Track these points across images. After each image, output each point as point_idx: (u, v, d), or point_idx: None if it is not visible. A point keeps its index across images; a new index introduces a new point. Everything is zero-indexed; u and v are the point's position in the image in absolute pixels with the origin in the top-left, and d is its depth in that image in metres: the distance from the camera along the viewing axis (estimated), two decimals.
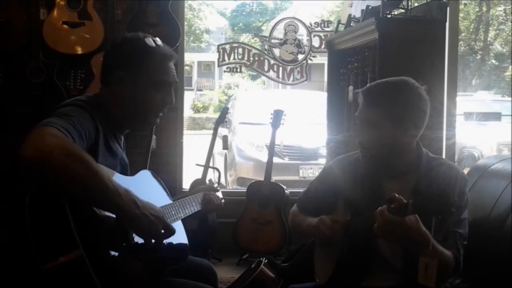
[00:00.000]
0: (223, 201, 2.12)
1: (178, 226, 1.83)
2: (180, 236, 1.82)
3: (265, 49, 4.63)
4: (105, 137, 1.64)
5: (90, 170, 1.36)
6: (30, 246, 1.33)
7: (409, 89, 1.76)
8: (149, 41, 1.71)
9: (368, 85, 1.80)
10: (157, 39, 1.74)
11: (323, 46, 4.49)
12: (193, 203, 1.93)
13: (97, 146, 1.57)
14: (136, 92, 1.69)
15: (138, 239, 1.53)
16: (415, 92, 1.76)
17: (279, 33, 4.71)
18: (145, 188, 1.72)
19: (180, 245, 1.79)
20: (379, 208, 1.58)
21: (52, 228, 1.35)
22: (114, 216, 1.45)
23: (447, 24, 3.04)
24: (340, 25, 3.77)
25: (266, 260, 2.43)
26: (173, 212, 1.76)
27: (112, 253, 1.45)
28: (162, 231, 1.52)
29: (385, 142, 1.76)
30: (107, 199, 1.39)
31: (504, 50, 15.73)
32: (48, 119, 1.43)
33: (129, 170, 1.84)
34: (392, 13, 3.10)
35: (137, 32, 1.77)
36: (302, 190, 2.14)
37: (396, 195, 1.55)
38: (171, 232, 1.55)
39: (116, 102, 1.70)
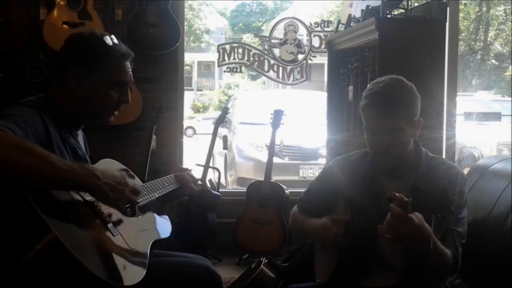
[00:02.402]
0: (198, 178, 2.10)
1: (155, 207, 1.86)
2: (157, 214, 1.86)
3: (265, 49, 4.63)
4: (58, 133, 1.64)
5: (37, 157, 1.37)
6: (5, 243, 1.35)
7: (410, 87, 1.78)
8: (108, 39, 1.72)
9: (373, 92, 1.77)
10: (114, 37, 1.75)
11: (323, 46, 4.49)
12: (165, 183, 1.92)
13: (50, 141, 1.58)
14: (93, 90, 1.70)
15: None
16: (413, 88, 1.79)
17: (279, 33, 4.71)
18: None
19: (160, 221, 1.83)
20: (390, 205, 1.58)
21: (22, 222, 1.36)
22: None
23: (447, 24, 3.04)
24: (340, 25, 3.77)
25: (266, 260, 2.43)
26: (145, 193, 1.77)
27: (86, 229, 1.46)
28: (129, 194, 1.53)
29: (408, 143, 1.80)
30: (63, 179, 1.40)
31: (504, 50, 15.73)
32: None
33: (130, 169, 1.85)
34: (392, 13, 3.10)
35: (93, 30, 1.78)
36: (302, 190, 2.14)
37: (397, 194, 1.56)
38: (137, 191, 1.57)
39: (71, 100, 1.71)
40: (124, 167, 1.86)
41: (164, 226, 1.86)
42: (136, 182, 1.74)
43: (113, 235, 1.53)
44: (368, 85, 1.89)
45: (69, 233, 1.38)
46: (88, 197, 1.51)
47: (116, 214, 1.58)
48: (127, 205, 1.60)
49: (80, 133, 1.83)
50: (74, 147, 1.71)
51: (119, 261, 1.51)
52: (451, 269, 1.72)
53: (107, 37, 1.72)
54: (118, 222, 1.57)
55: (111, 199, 1.48)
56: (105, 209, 1.54)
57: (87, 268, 1.34)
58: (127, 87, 1.77)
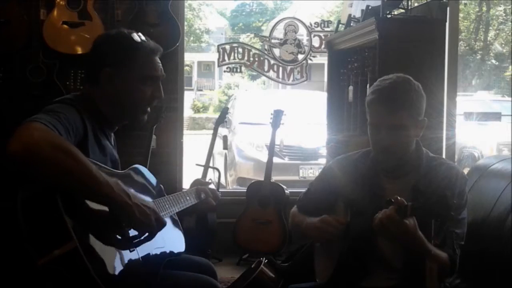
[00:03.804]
0: (219, 193, 2.11)
1: (174, 222, 1.85)
2: (176, 229, 1.84)
3: (265, 49, 4.63)
4: (94, 133, 1.65)
5: (78, 162, 1.36)
6: (24, 242, 1.34)
7: (417, 86, 1.79)
8: (135, 36, 1.72)
9: (380, 88, 1.78)
10: (141, 34, 1.75)
11: (323, 46, 4.49)
12: (187, 197, 1.92)
13: (86, 141, 1.58)
14: (126, 87, 1.70)
15: (133, 232, 1.54)
16: (420, 88, 1.79)
17: (279, 33, 4.71)
18: (139, 182, 1.74)
19: (176, 237, 1.81)
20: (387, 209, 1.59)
21: (45, 223, 1.36)
22: (107, 208, 1.46)
23: (447, 24, 3.04)
24: (340, 25, 3.77)
25: (266, 260, 2.43)
26: (166, 206, 1.77)
27: (107, 244, 1.46)
28: (154, 222, 1.53)
29: (410, 143, 1.81)
30: (97, 191, 1.40)
31: (504, 50, 15.74)
32: (35, 115, 1.44)
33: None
34: (392, 13, 3.10)
35: (119, 28, 1.78)
36: (302, 190, 2.14)
37: (398, 198, 1.56)
38: (162, 223, 1.57)
39: (105, 99, 1.71)
40: (153, 177, 1.85)
41: (178, 241, 1.84)
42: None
43: (130, 251, 1.53)
44: (374, 82, 1.89)
45: (88, 246, 1.37)
46: None
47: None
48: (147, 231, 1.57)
49: (112, 135, 1.83)
50: (105, 148, 1.71)
51: (131, 278, 1.51)
52: (448, 271, 1.73)
53: (135, 34, 1.73)
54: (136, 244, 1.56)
55: (137, 221, 1.48)
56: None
57: (100, 285, 1.34)
58: (159, 82, 1.77)
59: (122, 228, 1.51)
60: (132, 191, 1.49)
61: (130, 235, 1.53)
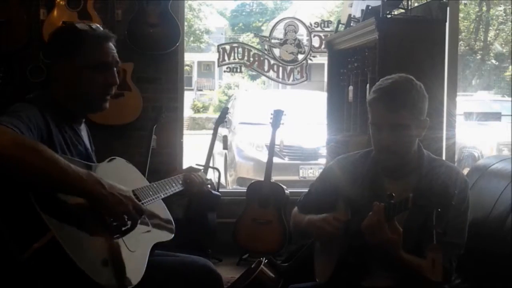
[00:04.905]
0: (208, 181, 2.11)
1: (160, 205, 1.85)
2: (163, 215, 1.85)
3: (265, 49, 4.63)
4: (59, 128, 1.65)
5: (44, 158, 1.38)
6: (5, 240, 1.36)
7: (419, 87, 1.79)
8: (81, 25, 1.73)
9: (381, 88, 1.78)
10: (90, 24, 1.76)
11: (323, 46, 4.49)
12: (173, 184, 1.91)
13: (51, 137, 1.59)
14: (78, 78, 1.70)
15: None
16: (422, 88, 1.79)
17: (279, 33, 4.71)
18: (118, 173, 1.73)
19: (164, 222, 1.82)
20: (379, 203, 1.61)
21: (22, 220, 1.37)
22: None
23: (447, 24, 3.04)
24: (340, 25, 3.77)
25: (266, 260, 2.43)
26: (150, 193, 1.77)
27: (90, 234, 1.46)
28: (132, 210, 1.53)
29: (411, 143, 1.80)
30: (69, 184, 1.41)
31: (504, 50, 15.73)
32: None
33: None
34: (392, 13, 3.10)
35: (67, 22, 1.80)
36: (302, 190, 2.14)
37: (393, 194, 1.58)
38: (141, 210, 1.57)
39: (63, 93, 1.72)
40: (134, 168, 1.86)
41: (167, 228, 1.85)
42: (143, 181, 1.73)
43: (113, 237, 1.53)
44: (374, 82, 1.90)
45: (68, 234, 1.38)
46: None
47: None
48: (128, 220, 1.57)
49: (83, 128, 1.83)
50: (75, 142, 1.72)
51: (117, 264, 1.51)
52: (441, 281, 1.71)
53: (81, 23, 1.75)
54: (120, 224, 1.56)
55: (113, 210, 1.48)
56: None
57: (83, 271, 1.34)
58: (112, 68, 1.76)
59: (102, 218, 1.51)
60: (107, 181, 1.49)
61: (114, 223, 1.53)
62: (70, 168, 1.41)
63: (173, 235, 1.84)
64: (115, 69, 1.76)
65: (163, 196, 1.83)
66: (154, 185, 1.82)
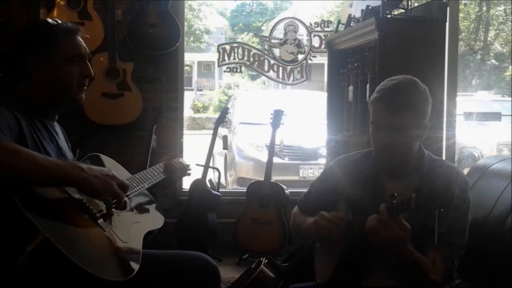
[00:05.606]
0: (189, 166, 2.14)
1: (146, 195, 1.88)
2: (150, 205, 1.87)
3: (265, 49, 4.63)
4: (31, 127, 1.64)
5: (18, 155, 1.36)
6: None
7: (422, 89, 1.78)
8: (51, 20, 1.77)
9: (385, 88, 1.78)
10: (58, 19, 1.79)
11: (323, 46, 4.49)
12: (155, 173, 1.93)
13: (23, 137, 1.58)
14: (54, 71, 1.71)
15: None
16: (426, 91, 1.79)
17: (279, 33, 4.71)
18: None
19: (152, 212, 1.84)
20: (382, 205, 1.60)
21: (9, 222, 1.36)
22: (67, 194, 1.46)
23: (447, 24, 3.03)
24: (340, 25, 3.77)
25: (266, 260, 2.43)
26: (134, 184, 1.78)
27: (80, 227, 1.46)
28: (116, 187, 1.52)
29: (411, 144, 1.80)
30: (48, 175, 1.39)
31: (504, 50, 15.74)
32: None
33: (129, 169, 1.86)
34: (392, 13, 3.10)
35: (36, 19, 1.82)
36: (302, 190, 2.14)
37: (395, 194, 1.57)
38: (125, 186, 1.57)
39: (37, 90, 1.72)
40: (112, 160, 1.87)
41: (156, 216, 1.87)
42: (126, 174, 1.75)
43: (104, 230, 1.53)
44: (374, 82, 1.90)
45: (59, 232, 1.37)
46: (76, 195, 1.51)
47: (106, 209, 1.57)
48: (114, 200, 1.56)
49: (57, 126, 1.83)
50: (47, 139, 1.71)
51: (111, 256, 1.51)
52: (444, 281, 1.71)
53: (49, 19, 1.78)
54: (108, 217, 1.56)
55: (98, 191, 1.46)
56: (94, 205, 1.54)
57: (80, 266, 1.33)
58: (86, 60, 1.78)
59: (89, 210, 1.51)
60: (84, 164, 1.48)
61: (98, 214, 1.53)
62: (46, 160, 1.41)
63: (163, 221, 1.86)
64: (87, 61, 1.79)
65: (147, 186, 1.86)
66: (137, 176, 1.84)
